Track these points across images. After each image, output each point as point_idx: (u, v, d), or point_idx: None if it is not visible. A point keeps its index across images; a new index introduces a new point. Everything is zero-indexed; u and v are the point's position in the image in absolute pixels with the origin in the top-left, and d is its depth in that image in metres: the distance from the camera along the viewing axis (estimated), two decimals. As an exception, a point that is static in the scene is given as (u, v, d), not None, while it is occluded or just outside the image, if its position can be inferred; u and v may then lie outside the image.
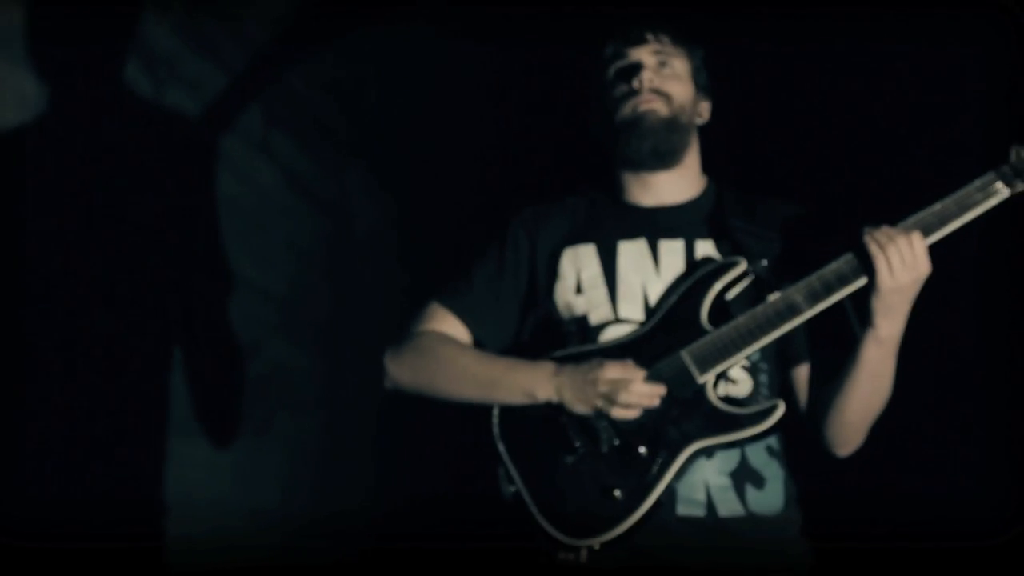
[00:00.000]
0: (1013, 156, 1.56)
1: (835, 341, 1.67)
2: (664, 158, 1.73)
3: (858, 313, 1.64)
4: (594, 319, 1.73)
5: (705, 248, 1.74)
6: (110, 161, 2.91)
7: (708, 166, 1.84)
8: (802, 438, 1.78)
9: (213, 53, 3.34)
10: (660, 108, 1.72)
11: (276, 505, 3.57)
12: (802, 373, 1.74)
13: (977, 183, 1.58)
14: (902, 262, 1.51)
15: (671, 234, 1.75)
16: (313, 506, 3.77)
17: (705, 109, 1.81)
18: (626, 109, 1.72)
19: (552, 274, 1.78)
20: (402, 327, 1.85)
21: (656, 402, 1.61)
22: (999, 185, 1.56)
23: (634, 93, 1.71)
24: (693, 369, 1.62)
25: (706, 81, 1.81)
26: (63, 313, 2.74)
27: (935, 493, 3.46)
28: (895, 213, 1.62)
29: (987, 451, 3.56)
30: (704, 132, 1.82)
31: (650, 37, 1.73)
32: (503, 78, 4.15)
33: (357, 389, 3.97)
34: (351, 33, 3.71)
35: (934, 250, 1.58)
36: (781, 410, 1.60)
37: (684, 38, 1.77)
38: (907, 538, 3.28)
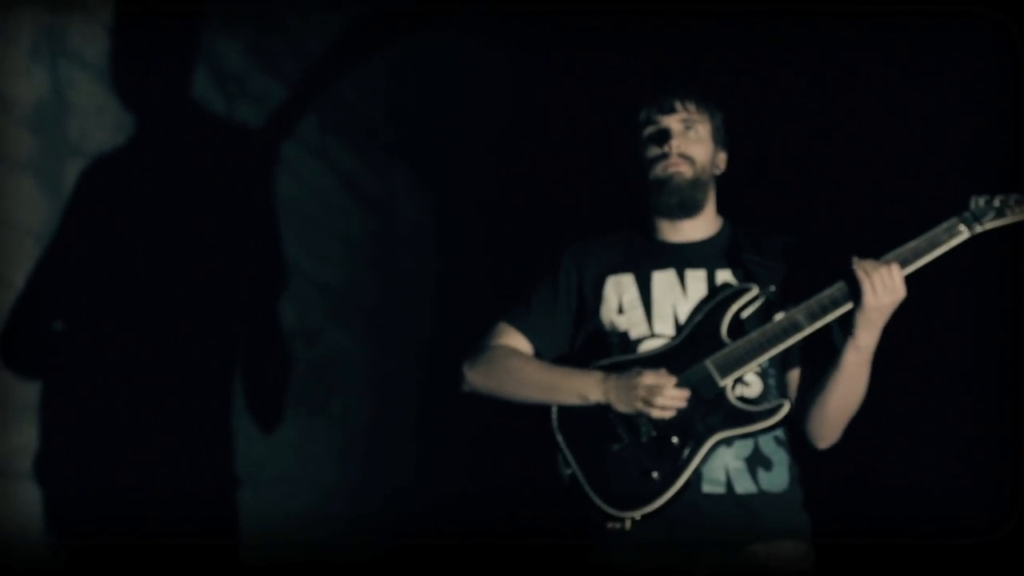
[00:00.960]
0: (972, 204, 1.88)
1: (820, 352, 1.96)
2: (689, 210, 2.05)
3: (841, 326, 1.92)
4: (633, 334, 2.05)
5: (723, 276, 2.04)
6: (188, 169, 3.14)
7: (721, 207, 2.13)
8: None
9: (275, 69, 3.57)
10: (685, 170, 2.02)
11: (332, 478, 3.84)
12: (794, 377, 2.05)
13: (944, 225, 1.89)
14: (884, 287, 1.82)
15: (695, 265, 2.06)
16: (363, 480, 4.02)
17: (722, 160, 2.11)
18: (657, 169, 2.03)
19: (598, 298, 2.09)
20: (477, 340, 2.18)
21: (685, 403, 1.92)
22: (961, 227, 1.88)
23: (664, 156, 2.01)
24: (715, 375, 1.94)
25: (724, 137, 2.11)
26: (144, 305, 2.97)
27: (930, 490, 3.60)
28: (878, 247, 1.91)
29: (980, 448, 3.68)
30: (719, 178, 2.11)
31: (678, 106, 2.03)
32: (538, 91, 4.36)
33: (400, 371, 4.29)
34: (396, 46, 3.92)
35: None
36: (786, 408, 1.92)
37: (707, 104, 2.06)
38: (904, 535, 3.38)
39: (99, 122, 2.91)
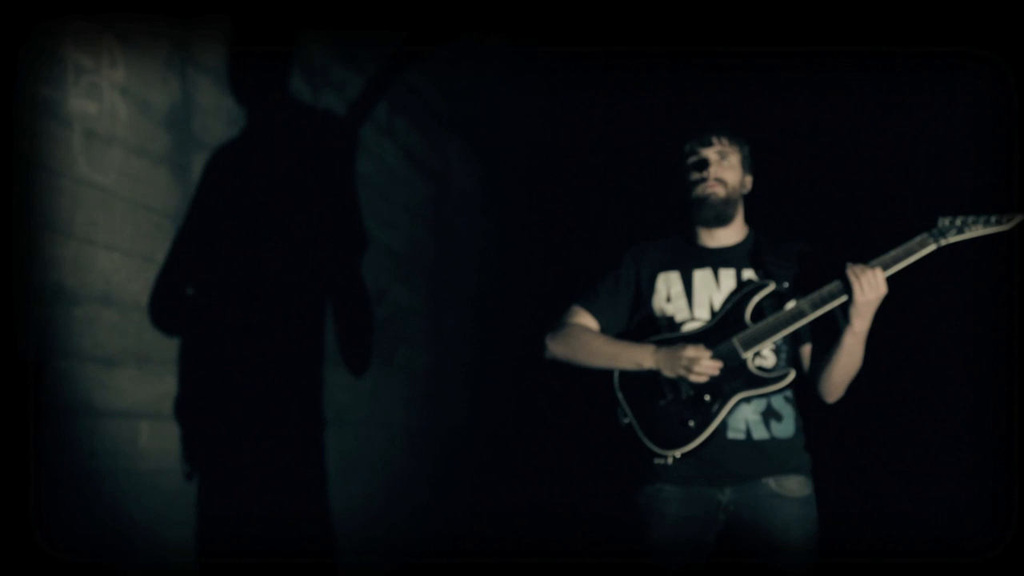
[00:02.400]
0: (939, 223, 2.30)
1: (827, 334, 2.40)
2: (722, 222, 2.48)
3: (841, 315, 2.34)
4: (678, 318, 2.50)
5: (748, 274, 2.48)
6: (284, 151, 3.49)
7: (748, 217, 2.58)
8: (805, 391, 2.52)
9: (353, 62, 3.88)
10: (719, 191, 2.45)
11: (400, 420, 4.17)
12: (806, 351, 2.50)
13: (917, 239, 2.29)
14: (870, 286, 2.25)
15: (726, 265, 2.49)
16: (427, 423, 4.37)
17: (749, 182, 2.54)
18: (698, 190, 2.46)
19: (651, 289, 2.54)
20: (555, 319, 2.63)
21: (716, 371, 2.38)
22: (930, 241, 2.29)
23: (703, 180, 2.45)
24: (739, 349, 2.38)
25: (750, 164, 2.54)
26: (252, 271, 3.32)
27: (928, 510, 3.68)
28: (867, 253, 2.33)
29: (978, 468, 3.75)
30: (746, 196, 2.56)
31: (714, 140, 2.45)
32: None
33: (454, 323, 4.60)
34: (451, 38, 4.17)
35: (923, 269, 2.30)
36: (793, 375, 2.39)
37: (737, 138, 2.49)
38: (902, 554, 3.44)
39: (217, 118, 3.28)
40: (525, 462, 4.52)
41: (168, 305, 3.05)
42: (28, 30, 2.63)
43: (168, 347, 3.05)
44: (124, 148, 2.94)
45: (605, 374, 2.53)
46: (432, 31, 4.00)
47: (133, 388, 2.88)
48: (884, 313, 2.30)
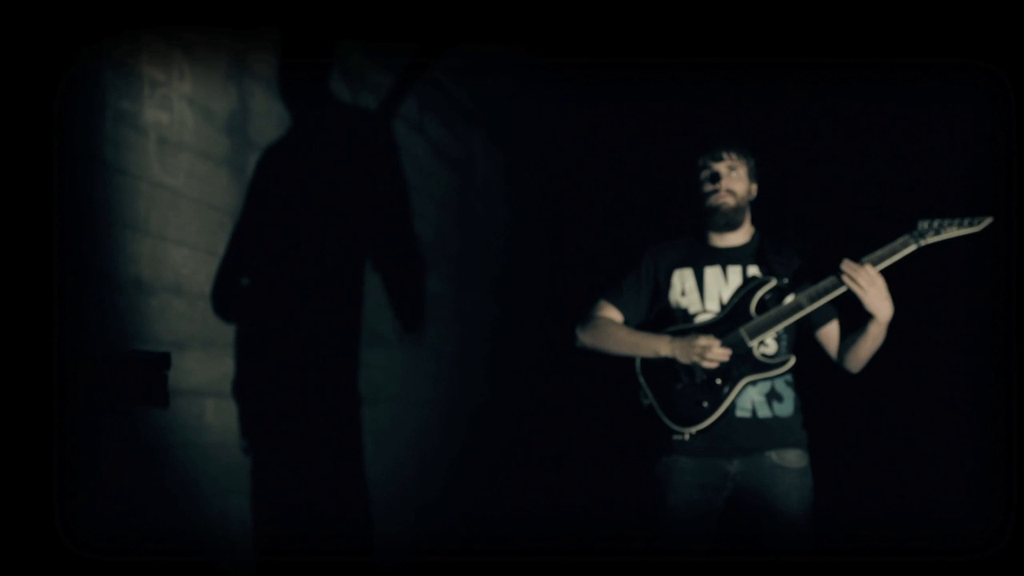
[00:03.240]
0: (918, 225, 2.54)
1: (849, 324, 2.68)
2: (731, 227, 2.77)
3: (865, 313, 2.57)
4: (691, 310, 2.78)
5: (753, 271, 2.76)
6: (327, 149, 3.73)
7: (753, 221, 2.86)
8: (803, 377, 2.77)
9: (388, 65, 4.12)
10: (729, 200, 2.73)
11: (429, 395, 4.43)
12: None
13: (899, 240, 2.52)
14: (867, 282, 2.48)
15: (734, 263, 2.78)
16: (453, 398, 4.62)
17: (754, 190, 2.82)
18: (710, 200, 2.74)
19: (667, 285, 2.82)
20: (584, 313, 2.93)
21: (726, 358, 2.66)
22: (910, 242, 2.53)
23: (716, 191, 2.74)
24: (746, 338, 2.66)
25: (755, 174, 2.82)
26: (301, 258, 3.56)
27: (926, 508, 3.73)
28: (858, 253, 2.57)
29: (976, 467, 3.79)
30: (752, 202, 2.85)
31: (725, 156, 2.73)
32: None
33: (478, 306, 4.83)
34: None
35: (922, 265, 2.54)
36: (793, 361, 2.68)
37: (744, 152, 2.77)
38: (900, 552, 3.51)
39: (269, 122, 3.56)
40: (540, 435, 4.76)
41: (227, 294, 3.35)
42: (102, 47, 2.90)
43: (228, 332, 3.35)
44: (191, 152, 3.23)
45: (627, 360, 2.83)
46: (457, 41, 4.23)
47: (199, 369, 3.16)
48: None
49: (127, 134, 2.97)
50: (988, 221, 2.52)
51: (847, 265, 2.53)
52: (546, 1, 4.01)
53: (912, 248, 2.54)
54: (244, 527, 3.36)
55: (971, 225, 2.52)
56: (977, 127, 3.60)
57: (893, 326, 2.54)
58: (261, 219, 3.46)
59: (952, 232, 2.53)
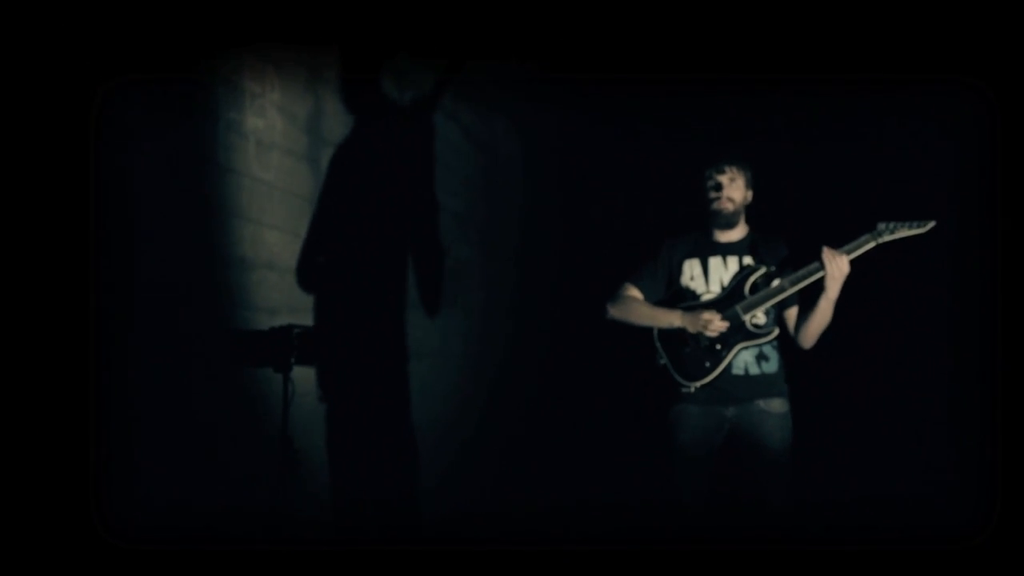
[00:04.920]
0: (877, 227, 3.10)
1: (808, 302, 3.26)
2: (731, 226, 3.39)
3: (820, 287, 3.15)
4: (698, 291, 3.41)
5: (747, 260, 3.38)
6: (382, 142, 4.29)
7: (747, 219, 3.47)
8: (787, 343, 3.36)
9: (430, 67, 4.61)
10: (729, 206, 3.34)
11: (461, 350, 4.96)
12: (790, 314, 3.38)
13: (863, 238, 3.08)
14: (838, 268, 3.08)
15: (732, 254, 3.39)
16: (481, 352, 5.14)
17: (750, 196, 3.43)
18: (714, 205, 3.35)
19: (679, 271, 3.44)
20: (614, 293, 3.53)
21: (725, 328, 3.29)
22: (871, 239, 3.10)
23: (719, 198, 3.35)
24: (741, 313, 3.29)
25: (752, 183, 3.43)
26: (361, 236, 4.10)
27: (910, 498, 3.82)
28: (836, 243, 3.14)
29: (959, 457, 3.90)
30: (747, 206, 3.46)
31: (726, 168, 3.34)
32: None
33: (501, 272, 5.31)
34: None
35: (904, 255, 3.07)
36: (777, 331, 3.33)
37: (743, 165, 3.38)
38: (884, 542, 3.57)
39: (336, 121, 4.13)
40: (557, 385, 5.25)
41: (307, 269, 3.95)
42: (207, 68, 3.47)
43: (308, 301, 3.97)
44: (279, 151, 3.82)
45: (646, 330, 3.48)
46: (478, 55, 4.71)
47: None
48: (867, 300, 2.82)
49: (234, 139, 3.58)
50: (932, 224, 3.09)
51: (827, 252, 3.12)
52: (563, 22, 4.42)
53: (871, 245, 3.12)
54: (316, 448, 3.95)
55: (919, 227, 3.09)
56: (963, 139, 3.80)
57: (876, 318, 2.93)
58: (330, 204, 4.04)
59: (903, 232, 3.08)
